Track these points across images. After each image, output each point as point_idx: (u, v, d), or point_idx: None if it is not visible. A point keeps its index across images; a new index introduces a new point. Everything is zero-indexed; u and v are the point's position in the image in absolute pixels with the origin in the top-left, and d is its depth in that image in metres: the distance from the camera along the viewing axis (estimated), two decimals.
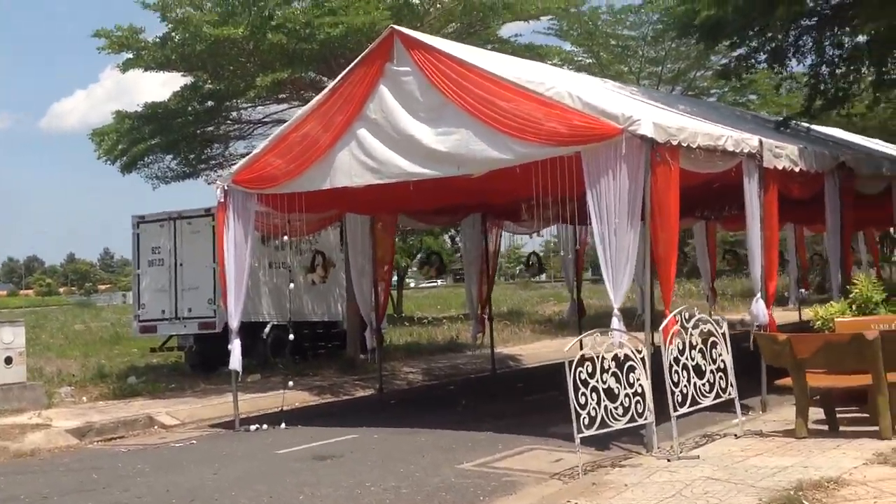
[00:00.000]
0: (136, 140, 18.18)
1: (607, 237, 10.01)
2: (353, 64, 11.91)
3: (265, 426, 12.75)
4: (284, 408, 15.02)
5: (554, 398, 14.68)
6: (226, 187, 12.88)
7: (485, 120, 10.70)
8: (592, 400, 8.78)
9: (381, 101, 11.57)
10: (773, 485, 7.09)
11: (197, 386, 17.21)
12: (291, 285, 14.76)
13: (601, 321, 28.39)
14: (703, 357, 9.41)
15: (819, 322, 11.28)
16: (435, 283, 75.82)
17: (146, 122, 17.79)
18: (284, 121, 20.52)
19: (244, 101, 18.42)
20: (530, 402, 14.23)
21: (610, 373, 9.08)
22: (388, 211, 14.90)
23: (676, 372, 9.10)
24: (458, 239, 50.52)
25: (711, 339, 9.58)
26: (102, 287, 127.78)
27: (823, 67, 15.82)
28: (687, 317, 9.44)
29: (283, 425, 12.69)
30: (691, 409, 9.24)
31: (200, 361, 19.92)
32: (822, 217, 20.63)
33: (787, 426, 9.71)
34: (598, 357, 9.03)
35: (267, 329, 19.81)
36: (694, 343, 9.34)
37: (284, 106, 20.60)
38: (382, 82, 11.56)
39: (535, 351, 22.69)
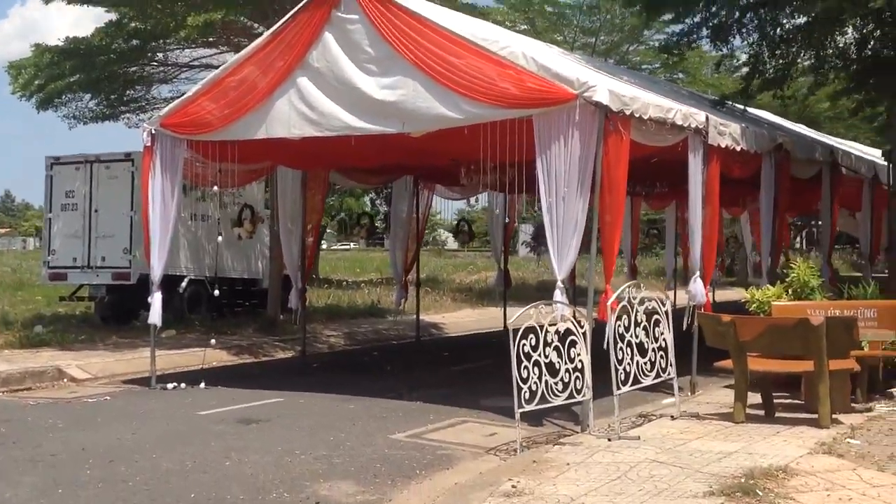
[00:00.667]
0: (55, 76, 17.16)
1: (554, 206, 9.69)
2: (297, 7, 11.29)
3: (183, 385, 12.17)
4: (202, 367, 14.48)
5: (481, 369, 14.52)
6: (153, 131, 12.17)
7: (435, 76, 10.24)
8: (534, 374, 8.47)
9: (325, 48, 11.00)
10: (720, 471, 6.90)
11: (108, 339, 16.45)
12: (220, 238, 14.11)
13: (524, 292, 28.68)
14: (647, 335, 9.20)
15: (755, 305, 11.22)
16: (347, 247, 75.03)
17: (67, 58, 16.77)
18: (212, 66, 19.83)
19: (172, 43, 17.55)
20: (458, 373, 13.96)
21: (552, 347, 8.80)
22: (323, 166, 14.36)
23: (621, 349, 8.86)
24: (378, 201, 50.25)
25: (655, 317, 9.37)
26: (2, 231, 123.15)
27: (764, 47, 15.76)
28: (634, 293, 9.21)
29: (202, 385, 12.14)
30: (633, 387, 9.02)
31: (112, 313, 19.12)
32: (741, 199, 21.11)
33: (722, 409, 9.60)
34: (541, 329, 8.73)
35: (184, 283, 19.09)
36: (639, 320, 9.11)
37: (213, 51, 19.81)
38: (328, 29, 10.99)
39: (458, 320, 22.43)
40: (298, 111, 11.18)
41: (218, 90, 11.68)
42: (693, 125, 11.05)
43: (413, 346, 17.62)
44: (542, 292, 30.20)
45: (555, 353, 8.75)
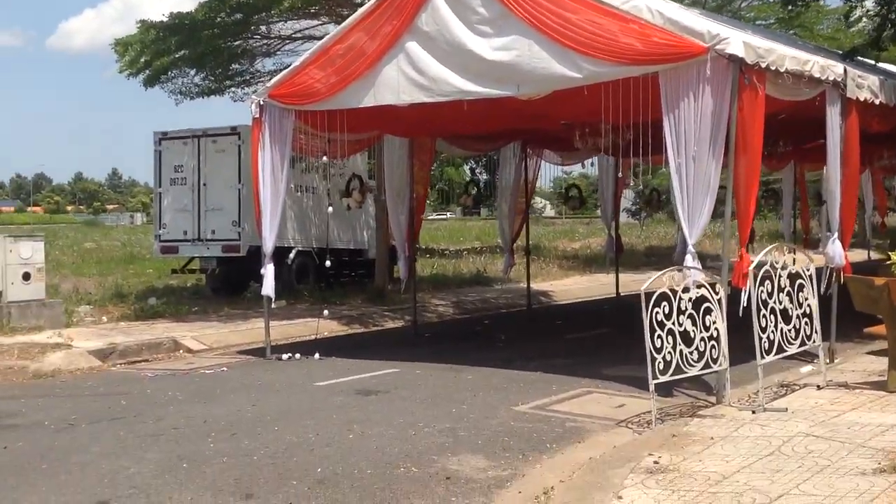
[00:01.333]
0: (160, 52, 17.20)
1: (684, 167, 9.17)
2: None
3: (298, 356, 12.09)
4: (313, 337, 14.44)
5: (598, 337, 14.10)
6: (261, 102, 12.03)
7: (551, 34, 9.78)
8: (668, 343, 8.04)
9: (434, 11, 10.65)
10: (886, 445, 6.38)
11: (221, 310, 16.58)
12: (329, 209, 13.95)
13: (632, 259, 27.98)
14: (791, 301, 8.64)
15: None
16: (444, 216, 75.01)
17: (172, 33, 16.78)
18: (314, 37, 19.67)
19: (274, 15, 17.39)
20: (574, 341, 13.56)
21: (686, 314, 8.34)
22: (431, 134, 14.05)
23: (764, 316, 8.33)
24: (478, 170, 49.73)
25: (798, 281, 8.79)
26: (110, 207, 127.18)
27: None
28: (777, 257, 8.65)
29: (317, 355, 12.03)
30: (777, 356, 8.50)
31: (222, 285, 19.30)
32: (865, 157, 19.99)
33: (871, 377, 9.01)
34: (674, 296, 8.28)
35: (292, 255, 19.12)
36: (782, 286, 8.56)
37: (315, 22, 19.60)
38: None
39: (567, 287, 21.97)
40: (407, 77, 10.87)
41: (325, 59, 11.45)
42: (831, 77, 10.36)
43: (524, 315, 17.26)
44: (651, 258, 29.53)
45: (689, 321, 8.31)
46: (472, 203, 20.66)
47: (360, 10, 11.29)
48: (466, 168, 39.02)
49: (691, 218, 9.18)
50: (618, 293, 19.14)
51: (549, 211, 79.52)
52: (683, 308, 8.28)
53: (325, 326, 15.38)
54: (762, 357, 8.24)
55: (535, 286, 21.82)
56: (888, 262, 10.69)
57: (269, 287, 12.36)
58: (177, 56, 17.85)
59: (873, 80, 11.43)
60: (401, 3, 10.83)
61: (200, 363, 12.10)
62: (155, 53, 17.52)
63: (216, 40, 16.92)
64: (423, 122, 12.55)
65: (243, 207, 18.27)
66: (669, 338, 8.09)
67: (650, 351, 7.82)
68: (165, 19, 16.98)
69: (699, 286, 8.61)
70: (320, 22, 19.54)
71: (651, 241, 36.70)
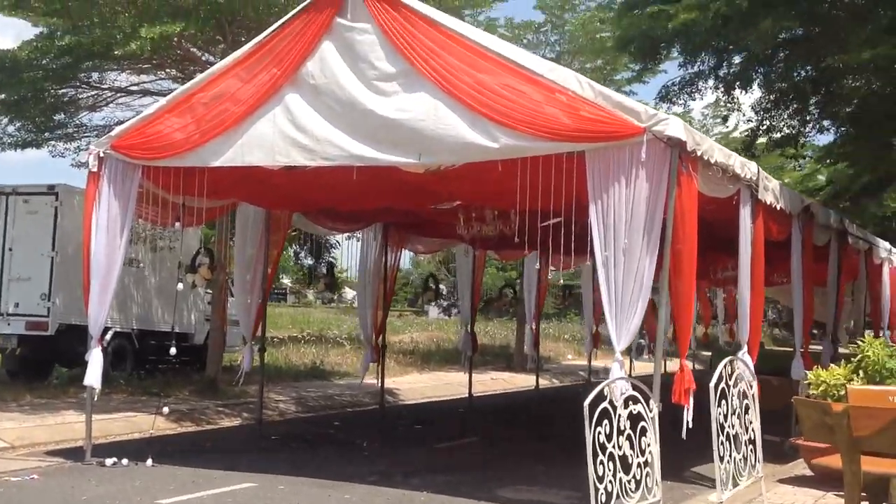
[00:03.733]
0: None
1: (612, 260, 7.99)
2: (291, 14, 9.44)
3: (125, 461, 9.93)
4: (137, 435, 12.30)
5: (470, 447, 12.54)
6: (101, 154, 10.08)
7: (461, 97, 8.48)
8: (609, 469, 6.71)
9: (323, 61, 9.16)
10: None
11: (22, 398, 14.01)
12: (180, 286, 11.80)
13: (486, 358, 26.82)
14: (740, 424, 7.49)
15: (821, 388, 9.63)
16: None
17: None
18: (151, 92, 17.70)
19: (110, 63, 15.38)
20: (446, 452, 11.99)
21: (625, 435, 7.07)
22: (302, 206, 12.38)
23: (722, 443, 7.12)
24: (302, 254, 47.63)
25: (745, 402, 7.68)
26: None
27: (771, 99, 14.64)
28: (730, 371, 7.52)
29: (149, 461, 9.90)
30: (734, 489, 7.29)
31: (21, 368, 16.60)
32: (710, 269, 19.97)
33: None
34: (614, 412, 6.99)
35: (108, 336, 16.64)
36: (734, 406, 7.40)
37: (150, 77, 17.65)
38: (328, 38, 9.15)
39: (410, 385, 20.44)
40: (285, 134, 9.27)
41: (185, 106, 9.69)
42: (748, 175, 9.58)
43: (376, 416, 15.54)
44: (486, 356, 28.49)
45: (627, 442, 7.04)
46: (323, 288, 18.91)
47: (234, 55, 9.64)
48: (291, 250, 36.64)
49: (620, 319, 7.95)
50: (471, 394, 17.83)
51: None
52: (622, 427, 7.02)
53: (148, 423, 13.16)
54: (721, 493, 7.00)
55: (374, 382, 20.26)
56: (807, 382, 9.88)
57: (94, 376, 10.31)
58: None
59: (775, 185, 10.82)
60: (283, 49, 9.28)
61: (3, 466, 9.73)
62: None
63: (41, 83, 14.67)
64: (295, 191, 10.93)
65: (55, 278, 15.83)
66: (610, 463, 6.77)
67: (593, 481, 6.43)
68: None
69: (633, 401, 7.38)
70: (157, 77, 17.65)
71: (486, 339, 35.74)
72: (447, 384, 21.39)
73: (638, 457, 7.23)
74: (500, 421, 15.84)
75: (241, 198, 11.57)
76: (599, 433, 6.77)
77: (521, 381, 23.77)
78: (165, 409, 11.87)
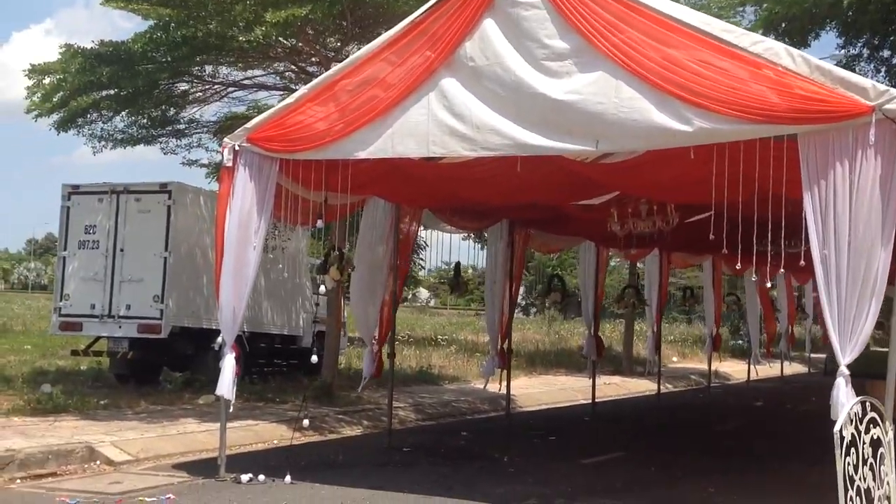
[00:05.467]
0: (85, 86, 14.24)
1: (833, 258, 6.93)
2: None
3: (262, 477, 9.18)
4: (261, 446, 11.64)
5: (619, 463, 11.42)
6: (237, 147, 9.32)
7: (647, 76, 7.50)
8: None
9: (483, 41, 8.25)
10: None
11: (137, 404, 13.45)
12: (322, 288, 10.92)
13: (564, 358, 25.78)
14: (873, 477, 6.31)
15: None
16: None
17: (103, 63, 13.87)
18: (266, 86, 17.11)
19: (225, 55, 14.77)
20: (594, 468, 11.01)
21: (867, 464, 6.02)
22: (449, 201, 11.49)
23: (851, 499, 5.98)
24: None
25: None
26: None
27: None
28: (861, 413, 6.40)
29: (288, 478, 9.14)
30: None
31: (130, 371, 16.09)
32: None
33: None
34: (859, 437, 5.96)
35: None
36: (865, 457, 6.24)
37: (259, 72, 17.04)
38: (489, 16, 8.23)
39: (524, 390, 19.41)
40: (441, 123, 8.39)
41: (329, 95, 8.87)
42: None
43: (502, 425, 14.64)
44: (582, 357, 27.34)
45: (870, 473, 5.99)
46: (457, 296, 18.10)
47: (383, 37, 8.79)
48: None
49: (843, 327, 6.88)
50: (594, 401, 16.86)
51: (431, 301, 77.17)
52: (865, 456, 5.97)
53: (271, 432, 12.54)
54: None
55: (489, 387, 19.40)
56: None
57: (227, 385, 9.49)
58: (103, 94, 14.95)
59: None
60: (439, 30, 8.39)
61: (131, 483, 9.06)
62: (75, 88, 14.56)
63: (156, 75, 14.09)
64: (441, 185, 10.07)
65: (169, 280, 15.28)
66: (858, 499, 5.74)
67: None
68: (95, 45, 14.11)
69: (873, 424, 6.32)
70: (267, 72, 17.04)
71: (575, 340, 34.55)
72: (561, 389, 20.44)
73: (878, 489, 6.19)
74: (637, 431, 14.84)
75: (381, 192, 10.73)
76: (848, 463, 5.74)
77: (634, 386, 22.72)
78: (306, 422, 11.08)
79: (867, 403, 6.49)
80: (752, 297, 23.42)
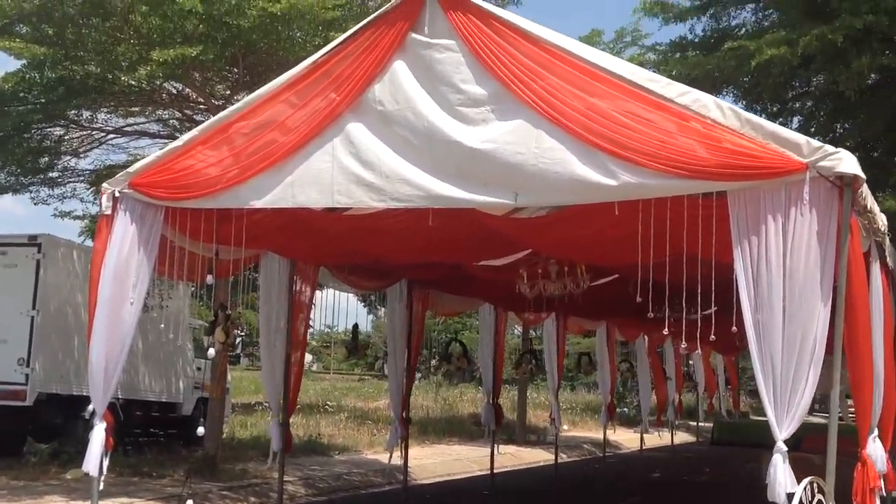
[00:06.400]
0: None
1: (767, 323, 6.50)
2: (353, 30, 7.95)
3: None
4: None
5: None
6: (116, 193, 8.41)
7: (569, 125, 7.01)
8: None
9: (394, 84, 7.64)
10: None
11: None
12: (211, 351, 9.85)
13: (450, 426, 25.01)
14: None
15: None
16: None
17: None
18: (148, 133, 16.08)
19: (105, 98, 13.79)
20: None
21: None
22: (351, 258, 10.77)
23: None
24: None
25: None
26: None
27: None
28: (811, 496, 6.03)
29: None
30: None
31: None
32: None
33: None
34: None
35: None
36: None
37: (142, 120, 16.06)
38: (400, 57, 7.64)
39: (418, 462, 18.52)
40: (347, 171, 7.71)
41: (223, 137, 8.08)
42: (882, 228, 8.17)
43: (399, 499, 13.77)
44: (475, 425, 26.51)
45: None
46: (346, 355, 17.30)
47: (283, 77, 8.07)
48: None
49: (780, 398, 6.42)
50: (493, 473, 16.17)
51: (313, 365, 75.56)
52: None
53: None
54: None
55: (373, 456, 18.54)
56: None
57: (94, 460, 8.34)
58: None
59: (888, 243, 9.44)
60: (344, 71, 7.75)
61: None
62: None
63: (27, 117, 13.01)
64: (345, 239, 9.35)
65: (36, 341, 14.04)
66: None
67: None
68: None
69: None
70: (149, 119, 16.09)
71: (465, 407, 33.86)
72: (456, 459, 19.67)
73: None
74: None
75: (277, 247, 9.93)
76: None
77: (529, 456, 22.17)
78: (190, 503, 9.93)
79: (814, 485, 6.02)
80: (644, 364, 23.33)
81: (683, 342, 7.60)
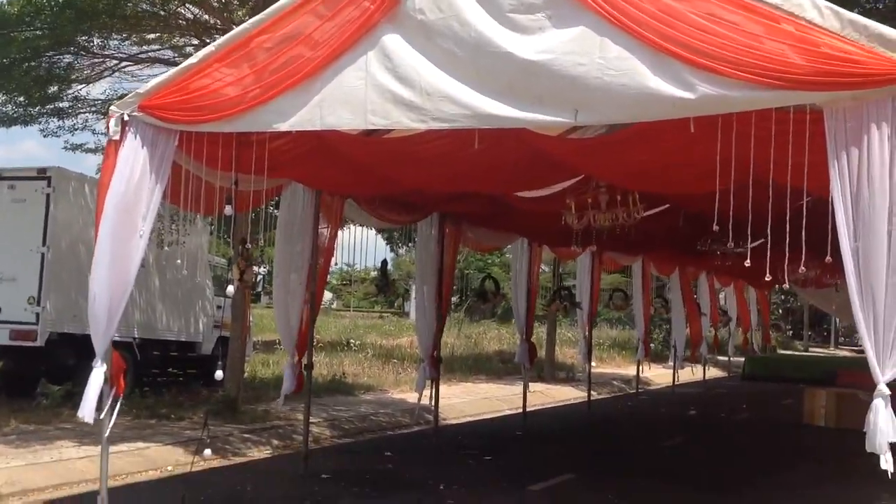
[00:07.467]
0: None
1: (868, 251, 5.67)
2: None
3: None
4: (154, 474, 9.96)
5: (570, 486, 9.99)
6: (126, 116, 7.56)
7: (638, 31, 6.09)
8: None
9: None
10: None
11: (6, 424, 11.58)
12: (230, 288, 9.03)
13: (487, 364, 24.54)
14: None
15: None
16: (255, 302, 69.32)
17: None
18: (161, 60, 15.20)
19: (117, 22, 12.89)
20: (543, 494, 9.70)
21: None
22: (385, 188, 9.91)
23: None
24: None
25: None
26: None
27: None
28: None
29: None
30: None
31: (3, 384, 14.06)
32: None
33: None
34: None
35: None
36: None
37: (155, 47, 15.16)
38: None
39: (447, 401, 17.85)
40: (383, 88, 6.83)
41: (243, 53, 7.20)
42: None
43: (429, 442, 13.15)
44: (508, 364, 26.04)
45: None
46: (376, 292, 16.61)
47: None
48: None
49: (885, 338, 5.61)
50: (525, 412, 15.58)
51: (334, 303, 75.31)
52: None
53: (165, 456, 10.85)
54: None
55: (399, 396, 17.99)
56: None
57: (88, 406, 7.34)
58: None
59: None
60: None
61: None
62: None
63: (35, 43, 12.15)
64: (377, 167, 8.52)
65: (46, 279, 13.38)
66: None
67: None
68: None
69: None
70: (163, 46, 15.19)
71: (489, 344, 33.38)
72: (484, 398, 19.06)
73: None
74: (578, 448, 13.56)
75: (302, 176, 9.10)
76: None
77: (558, 394, 21.59)
78: (207, 452, 9.27)
79: None
80: (678, 300, 22.57)
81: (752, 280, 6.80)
